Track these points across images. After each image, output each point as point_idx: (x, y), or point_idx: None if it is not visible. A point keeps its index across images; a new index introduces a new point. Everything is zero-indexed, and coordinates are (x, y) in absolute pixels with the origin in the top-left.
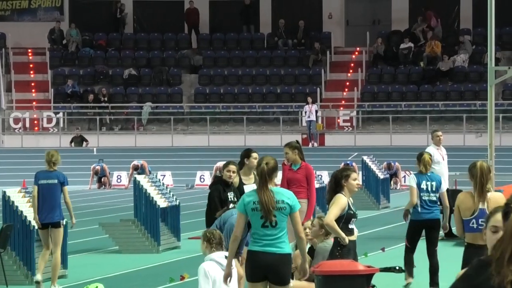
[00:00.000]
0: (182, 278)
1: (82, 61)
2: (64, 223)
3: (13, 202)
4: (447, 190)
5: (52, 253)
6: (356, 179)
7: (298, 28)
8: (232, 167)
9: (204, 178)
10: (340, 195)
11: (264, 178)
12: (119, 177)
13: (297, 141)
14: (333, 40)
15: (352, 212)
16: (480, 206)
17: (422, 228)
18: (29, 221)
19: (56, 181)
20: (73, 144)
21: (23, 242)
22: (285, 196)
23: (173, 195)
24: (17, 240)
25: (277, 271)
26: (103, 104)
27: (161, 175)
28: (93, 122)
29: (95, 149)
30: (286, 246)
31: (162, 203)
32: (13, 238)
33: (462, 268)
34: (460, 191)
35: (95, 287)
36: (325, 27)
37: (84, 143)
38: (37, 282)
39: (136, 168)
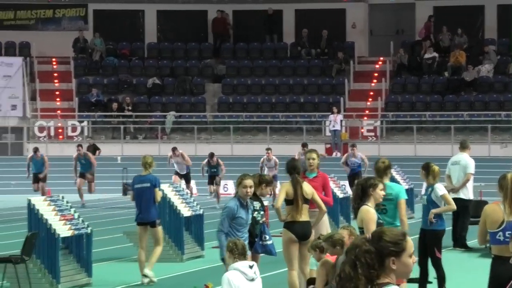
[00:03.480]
0: (206, 287)
1: (106, 70)
2: (160, 222)
3: (38, 210)
4: (470, 201)
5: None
6: (382, 189)
7: (322, 38)
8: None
9: (228, 187)
10: (369, 209)
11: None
12: None
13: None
14: (357, 49)
15: (381, 222)
16: (509, 218)
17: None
18: (54, 229)
19: (149, 184)
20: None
21: (48, 250)
22: None
23: (197, 204)
24: (42, 248)
25: None
26: (127, 113)
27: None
28: (117, 131)
29: (119, 157)
30: None
31: (186, 212)
32: (38, 246)
33: (490, 279)
34: (485, 202)
35: None
36: (348, 36)
37: (97, 151)
38: (144, 275)
39: None
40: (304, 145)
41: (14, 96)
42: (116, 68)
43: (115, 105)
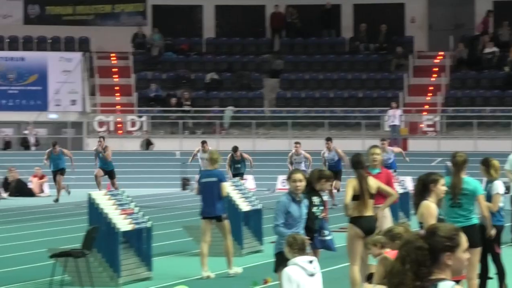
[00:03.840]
0: (265, 281)
1: (165, 65)
2: (226, 216)
3: (98, 204)
4: None
5: (224, 242)
6: (444, 184)
7: (380, 32)
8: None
9: (285, 183)
10: (430, 204)
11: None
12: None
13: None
14: (416, 44)
15: (441, 218)
16: None
17: None
18: (114, 224)
19: (215, 178)
20: (142, 148)
21: (109, 244)
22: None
23: (256, 199)
24: (102, 242)
25: None
26: (185, 108)
27: (244, 179)
28: (176, 126)
29: (178, 152)
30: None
31: (244, 207)
32: (99, 240)
33: None
34: None
35: None
36: (407, 31)
37: (150, 146)
38: (207, 278)
39: None
40: (328, 139)
41: (74, 91)
42: (175, 63)
43: (173, 100)
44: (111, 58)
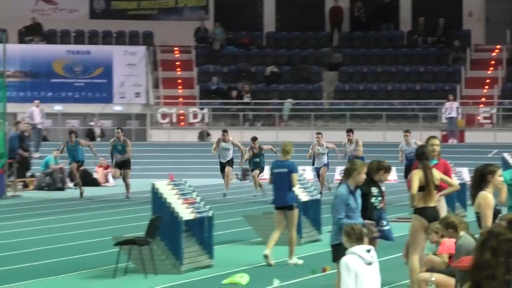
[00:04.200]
0: (324, 270)
1: (226, 59)
2: (296, 205)
3: (161, 194)
4: None
5: (288, 232)
6: (501, 175)
7: (438, 26)
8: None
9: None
10: (487, 194)
11: None
12: None
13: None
14: (473, 37)
15: (498, 209)
16: None
17: None
18: (177, 213)
19: (286, 169)
20: (200, 139)
21: (171, 232)
22: None
23: (314, 189)
24: (165, 231)
25: None
26: (245, 100)
27: (302, 170)
28: (236, 118)
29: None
30: None
31: (303, 197)
32: (162, 228)
33: None
34: None
35: (240, 277)
36: (465, 25)
37: (208, 137)
38: (265, 256)
39: None
40: (349, 131)
41: (138, 84)
42: (236, 56)
43: (234, 93)
44: (174, 52)
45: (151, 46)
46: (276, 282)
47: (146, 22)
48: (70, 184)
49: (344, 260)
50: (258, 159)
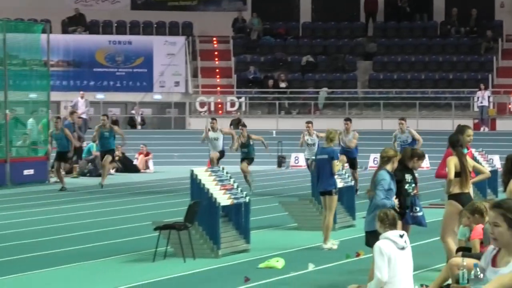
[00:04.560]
0: (358, 254)
1: (263, 49)
2: (336, 192)
3: (200, 180)
4: None
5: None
6: None
7: (470, 17)
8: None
9: (377, 161)
10: None
11: None
12: (296, 158)
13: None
14: (505, 28)
15: None
16: None
17: None
18: (215, 198)
19: (327, 156)
20: (232, 126)
21: (209, 218)
22: None
23: (348, 176)
24: (203, 216)
25: None
26: (282, 89)
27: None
28: (273, 106)
29: (274, 131)
30: None
31: (338, 183)
32: (200, 214)
33: None
34: None
35: (276, 261)
36: (497, 15)
37: (240, 127)
38: (329, 249)
39: None
40: (348, 120)
41: (177, 73)
42: (272, 46)
43: (270, 82)
44: (213, 42)
45: (190, 37)
46: (311, 266)
47: (186, 13)
48: (112, 171)
49: (378, 244)
50: (246, 149)
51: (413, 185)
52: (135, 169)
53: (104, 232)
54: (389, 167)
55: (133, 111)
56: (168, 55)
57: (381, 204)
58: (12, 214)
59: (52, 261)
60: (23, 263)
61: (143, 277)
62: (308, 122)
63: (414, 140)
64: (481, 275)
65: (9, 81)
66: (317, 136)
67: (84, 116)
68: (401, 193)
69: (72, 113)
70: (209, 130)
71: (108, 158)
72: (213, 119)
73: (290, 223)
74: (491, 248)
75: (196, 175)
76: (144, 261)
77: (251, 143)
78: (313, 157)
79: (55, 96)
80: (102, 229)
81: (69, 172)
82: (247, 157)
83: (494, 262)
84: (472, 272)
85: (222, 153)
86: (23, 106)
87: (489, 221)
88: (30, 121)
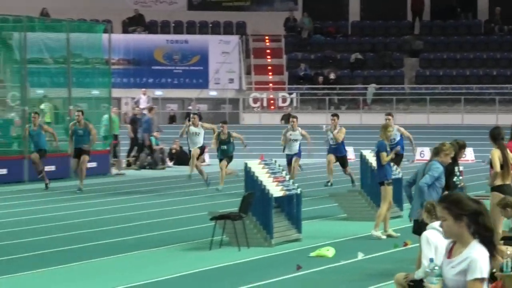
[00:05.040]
0: (405, 244)
1: (313, 47)
2: (387, 182)
3: (253, 172)
4: None
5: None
6: None
7: None
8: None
9: (424, 154)
10: None
11: None
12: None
13: None
14: None
15: None
16: None
17: None
18: (268, 190)
19: (376, 149)
20: (283, 121)
21: (263, 208)
22: None
23: (396, 169)
24: (257, 207)
25: None
26: (331, 86)
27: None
28: (323, 102)
29: (324, 126)
30: None
31: None
32: (254, 205)
33: None
34: None
35: (326, 250)
36: None
37: (290, 119)
38: (388, 236)
39: None
40: (335, 115)
41: (231, 71)
42: (322, 44)
43: (320, 79)
44: (265, 41)
45: (244, 36)
46: (360, 255)
47: (240, 13)
48: (170, 163)
49: (425, 234)
50: (225, 146)
51: (460, 177)
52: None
53: (162, 222)
54: (440, 159)
55: (190, 107)
56: (222, 54)
57: (421, 186)
58: (79, 205)
59: (114, 250)
60: (91, 251)
61: (200, 265)
62: (293, 117)
63: (401, 138)
64: (436, 267)
65: (72, 78)
66: (301, 134)
67: (145, 112)
68: (449, 186)
69: (150, 109)
70: (189, 125)
71: (85, 158)
72: (194, 114)
73: (339, 213)
74: (449, 241)
75: (250, 168)
76: (201, 250)
77: (232, 140)
78: (291, 153)
79: (116, 92)
80: (160, 219)
81: (129, 165)
82: (226, 155)
83: (450, 254)
84: (427, 265)
85: (202, 149)
86: (86, 102)
87: (438, 216)
88: (105, 117)
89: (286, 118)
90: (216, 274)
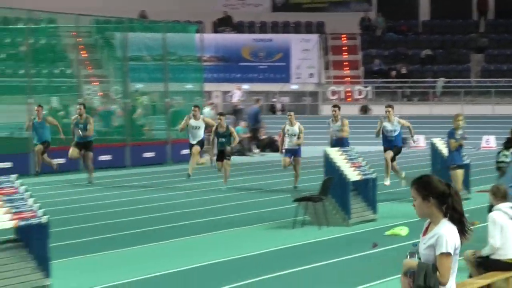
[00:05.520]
0: (473, 224)
1: (387, 44)
2: (454, 167)
3: (332, 159)
4: None
5: None
6: None
7: None
8: None
9: (489, 141)
10: None
11: None
12: (417, 139)
13: None
14: None
15: None
16: None
17: None
18: (346, 175)
19: (447, 136)
20: (361, 112)
21: (341, 191)
22: None
23: (463, 155)
24: (336, 190)
25: None
26: (403, 79)
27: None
28: (395, 94)
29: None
30: None
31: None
32: (333, 188)
33: None
34: None
35: (400, 229)
36: None
37: (368, 111)
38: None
39: None
40: (335, 106)
41: (311, 66)
42: (395, 42)
43: (393, 73)
44: (342, 39)
45: (322, 34)
46: None
47: (319, 14)
48: (256, 151)
49: (492, 215)
50: (224, 139)
51: None
52: (276, 149)
53: (249, 203)
54: None
55: (274, 99)
56: (303, 51)
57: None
58: (174, 188)
59: (201, 229)
60: (184, 229)
61: (284, 242)
62: (289, 111)
63: (401, 131)
64: (416, 247)
65: (168, 74)
66: (299, 129)
67: (241, 106)
68: None
69: (257, 100)
70: (189, 118)
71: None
72: (195, 106)
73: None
74: (426, 221)
75: (329, 154)
76: (285, 228)
77: (230, 134)
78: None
79: (207, 87)
80: (247, 201)
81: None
82: (224, 148)
83: (424, 233)
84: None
85: (202, 144)
86: (181, 95)
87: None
88: (206, 110)
89: (364, 110)
90: (299, 250)
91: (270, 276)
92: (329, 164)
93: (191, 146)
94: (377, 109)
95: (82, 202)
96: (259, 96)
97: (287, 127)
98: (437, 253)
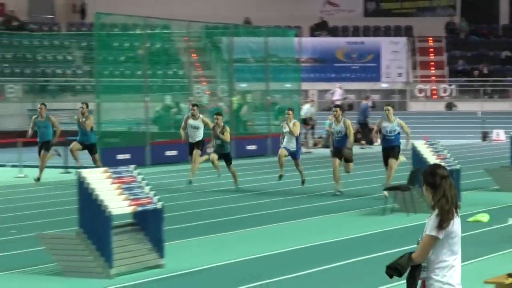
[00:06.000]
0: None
1: (470, 46)
2: None
3: (419, 151)
4: None
5: None
6: None
7: None
8: None
9: None
10: None
11: None
12: (497, 133)
13: None
14: None
15: None
16: None
17: None
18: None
19: None
20: (447, 108)
21: None
22: None
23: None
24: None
25: None
26: (485, 78)
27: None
28: (478, 92)
29: (479, 112)
30: None
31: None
32: (418, 178)
33: None
34: None
35: (482, 216)
36: None
37: (453, 107)
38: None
39: None
40: (337, 106)
41: (400, 66)
42: (477, 44)
43: (476, 72)
44: (428, 41)
45: (410, 37)
46: (510, 221)
47: (407, 18)
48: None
49: None
50: (220, 141)
51: None
52: (371, 142)
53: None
54: None
55: (367, 97)
56: (392, 52)
57: None
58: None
59: (306, 214)
60: (282, 215)
61: (375, 227)
62: (289, 109)
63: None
64: None
65: (269, 74)
66: (290, 128)
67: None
68: None
69: (366, 97)
70: (188, 118)
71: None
72: (194, 105)
73: (493, 185)
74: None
75: (416, 147)
76: (375, 215)
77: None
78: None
79: (305, 86)
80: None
81: (315, 144)
82: (223, 152)
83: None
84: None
85: (202, 144)
86: (280, 94)
87: None
88: (306, 106)
89: (449, 106)
90: (389, 235)
91: (368, 257)
92: (416, 156)
93: (191, 146)
94: (462, 106)
95: (193, 189)
96: (352, 93)
97: (286, 125)
98: (425, 233)
